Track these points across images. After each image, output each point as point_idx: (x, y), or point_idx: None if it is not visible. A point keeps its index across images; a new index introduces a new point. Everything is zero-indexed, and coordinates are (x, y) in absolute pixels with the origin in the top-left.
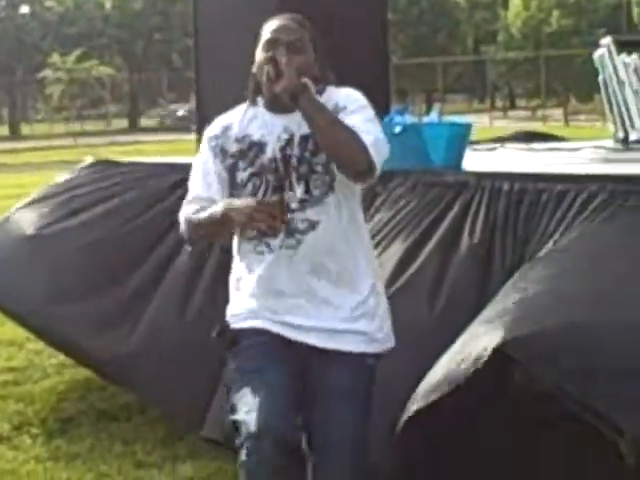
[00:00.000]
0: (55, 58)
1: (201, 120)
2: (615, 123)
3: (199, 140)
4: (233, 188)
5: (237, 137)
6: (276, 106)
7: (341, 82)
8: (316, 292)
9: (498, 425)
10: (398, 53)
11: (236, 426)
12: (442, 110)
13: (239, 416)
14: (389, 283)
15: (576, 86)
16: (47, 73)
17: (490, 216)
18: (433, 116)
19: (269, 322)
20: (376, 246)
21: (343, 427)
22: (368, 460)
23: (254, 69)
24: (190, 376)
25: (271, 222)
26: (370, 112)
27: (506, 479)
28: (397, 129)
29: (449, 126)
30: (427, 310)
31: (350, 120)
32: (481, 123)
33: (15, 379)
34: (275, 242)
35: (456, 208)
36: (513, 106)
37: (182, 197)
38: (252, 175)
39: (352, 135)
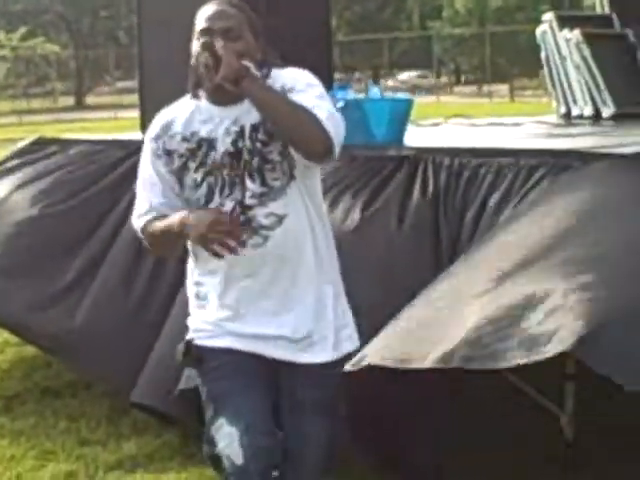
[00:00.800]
0: (1, 36)
1: (144, 97)
2: (557, 99)
3: (143, 117)
4: (184, 189)
5: (184, 135)
6: (220, 98)
7: (284, 60)
8: (286, 293)
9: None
10: (344, 29)
11: (215, 458)
12: (385, 86)
13: (220, 449)
14: None
15: (522, 62)
16: None
17: (429, 190)
18: (375, 91)
19: (236, 338)
20: None
21: (315, 439)
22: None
23: (192, 61)
24: (133, 351)
25: (226, 242)
26: (319, 89)
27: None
28: (339, 104)
29: (391, 101)
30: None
31: (300, 99)
32: (428, 99)
33: None
34: (247, 241)
35: (396, 181)
36: (459, 82)
37: (125, 173)
38: (206, 174)
39: (305, 112)
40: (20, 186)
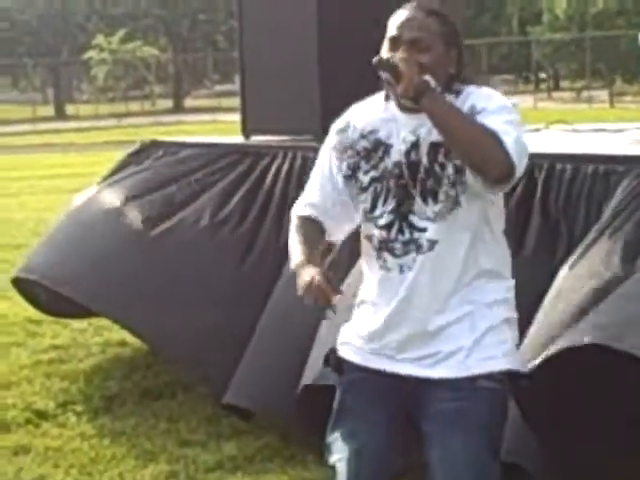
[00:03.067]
0: (100, 39)
1: (245, 100)
2: None
3: (244, 120)
4: (352, 188)
5: (364, 132)
6: (405, 105)
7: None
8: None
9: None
10: None
11: (331, 466)
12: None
13: (332, 460)
14: None
15: (622, 67)
16: (92, 54)
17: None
18: None
19: (375, 358)
20: None
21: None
22: None
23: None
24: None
25: (319, 301)
26: (512, 115)
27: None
28: None
29: None
30: None
31: (487, 121)
32: (525, 104)
33: (60, 357)
34: (407, 262)
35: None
36: (557, 87)
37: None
38: (373, 180)
39: (488, 134)
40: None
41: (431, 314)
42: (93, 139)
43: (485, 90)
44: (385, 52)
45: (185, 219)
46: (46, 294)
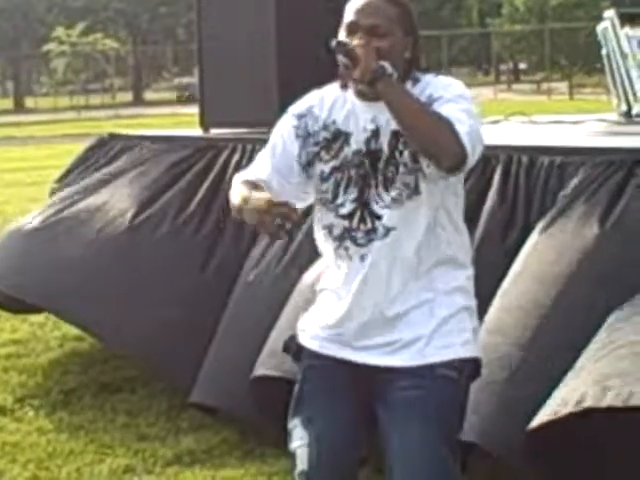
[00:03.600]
0: (60, 32)
1: (204, 93)
2: (618, 96)
3: (202, 114)
4: (312, 177)
5: (325, 122)
6: (363, 93)
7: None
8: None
9: None
10: None
11: (292, 452)
12: None
13: (292, 446)
14: None
15: (581, 59)
16: (51, 47)
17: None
18: None
19: (334, 345)
20: None
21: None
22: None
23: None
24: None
25: (276, 228)
26: (468, 104)
27: None
28: None
29: None
30: None
31: (444, 109)
32: (486, 96)
33: (18, 351)
34: (369, 251)
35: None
36: (518, 79)
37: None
38: (334, 169)
39: (442, 121)
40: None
41: (389, 301)
42: (52, 132)
43: (443, 78)
44: (342, 38)
45: (150, 218)
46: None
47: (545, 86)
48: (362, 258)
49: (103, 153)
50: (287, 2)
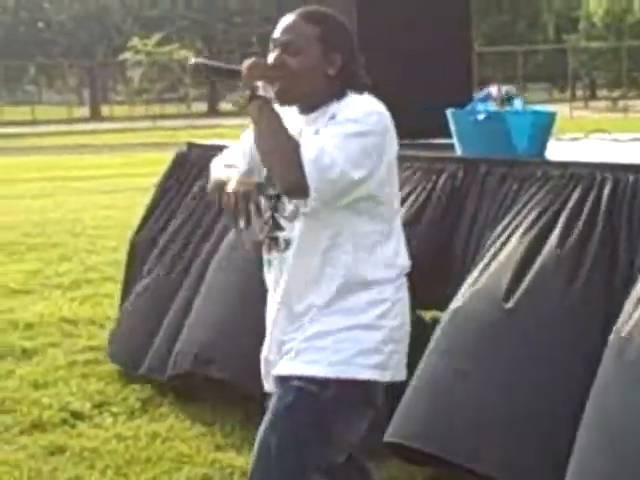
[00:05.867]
0: (135, 41)
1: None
2: None
3: None
4: None
5: None
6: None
7: (425, 70)
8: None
9: None
10: (479, 41)
11: None
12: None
13: None
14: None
15: None
16: (128, 56)
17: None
18: (517, 104)
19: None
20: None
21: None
22: None
23: None
24: None
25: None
26: (351, 128)
27: None
28: (481, 117)
29: (533, 114)
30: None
31: (324, 132)
32: (561, 113)
33: (96, 358)
34: (271, 259)
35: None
36: (594, 96)
37: None
38: (265, 177)
39: (288, 148)
40: None
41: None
42: (128, 140)
43: (355, 99)
44: (269, 54)
45: None
46: None
47: (622, 103)
48: (269, 265)
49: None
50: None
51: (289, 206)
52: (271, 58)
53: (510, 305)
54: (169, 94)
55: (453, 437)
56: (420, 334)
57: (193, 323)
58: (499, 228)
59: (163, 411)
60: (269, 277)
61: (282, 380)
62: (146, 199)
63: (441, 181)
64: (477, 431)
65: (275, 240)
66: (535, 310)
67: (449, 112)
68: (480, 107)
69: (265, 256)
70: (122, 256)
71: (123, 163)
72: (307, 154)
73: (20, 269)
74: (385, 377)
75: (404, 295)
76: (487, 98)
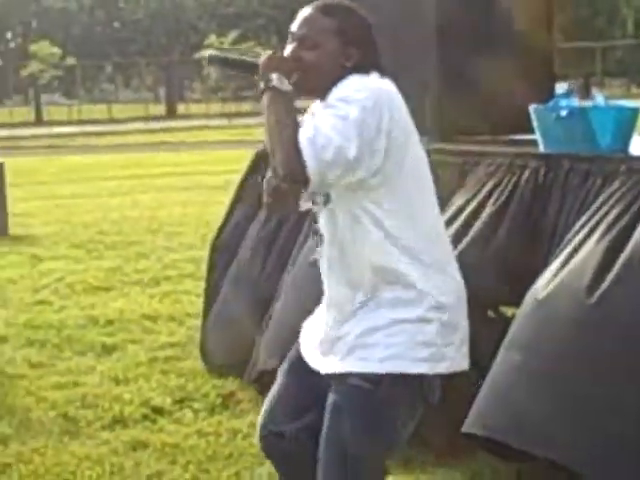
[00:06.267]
0: (212, 39)
1: None
2: None
3: None
4: None
5: None
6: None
7: (506, 66)
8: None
9: None
10: (557, 37)
11: None
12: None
13: None
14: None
15: None
16: (204, 53)
17: None
18: (599, 100)
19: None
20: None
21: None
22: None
23: None
24: None
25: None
26: (344, 108)
27: None
28: (563, 113)
29: (617, 110)
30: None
31: (318, 115)
32: None
33: (176, 355)
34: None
35: None
36: None
37: None
38: None
39: (285, 131)
40: None
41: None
42: (204, 138)
43: (355, 78)
44: (287, 47)
45: None
46: None
47: None
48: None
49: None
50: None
51: (319, 199)
52: (288, 51)
53: (593, 300)
54: (245, 92)
55: (531, 429)
56: (504, 330)
57: (278, 321)
58: (580, 223)
59: (244, 407)
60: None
61: (336, 377)
62: (222, 196)
63: (524, 177)
64: (554, 422)
65: (316, 234)
66: (619, 305)
67: (531, 108)
68: (563, 103)
69: (317, 250)
70: (199, 253)
71: (199, 161)
72: (303, 135)
73: (100, 266)
74: (438, 369)
75: (455, 284)
76: (569, 94)
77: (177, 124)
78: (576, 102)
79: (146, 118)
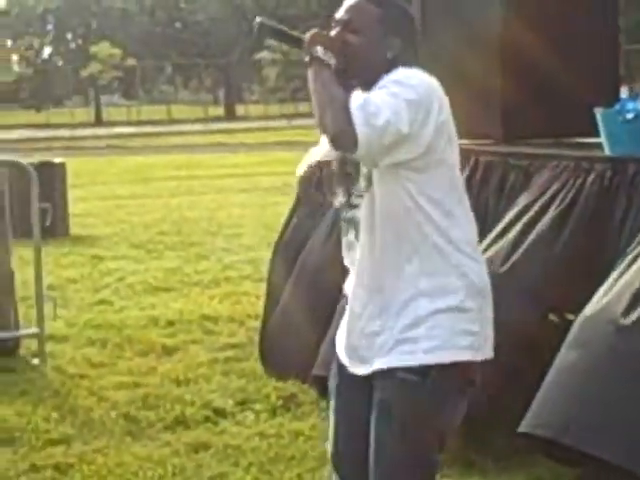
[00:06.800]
0: (271, 41)
1: None
2: None
3: None
4: None
5: None
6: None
7: (572, 68)
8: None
9: None
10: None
11: None
12: None
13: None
14: None
15: None
16: (264, 55)
17: None
18: None
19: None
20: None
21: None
22: None
23: None
24: None
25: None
26: (395, 87)
27: None
28: (629, 116)
29: None
30: None
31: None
32: None
33: (237, 355)
34: (350, 240)
35: None
36: None
37: None
38: (337, 160)
39: (338, 100)
40: None
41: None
42: (263, 139)
43: (402, 70)
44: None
45: None
46: None
47: None
48: (348, 247)
49: None
50: (515, 14)
51: (360, 185)
52: (332, 34)
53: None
54: (303, 93)
55: (586, 429)
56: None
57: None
58: None
59: (305, 409)
60: (349, 259)
61: (380, 375)
62: (280, 198)
63: (589, 181)
64: (608, 423)
65: (352, 221)
66: None
67: (597, 111)
68: (629, 106)
69: (344, 238)
70: (258, 254)
71: (258, 162)
72: (354, 102)
73: (160, 267)
74: (478, 356)
75: (485, 275)
76: (636, 97)
77: (236, 125)
78: None
79: (205, 119)
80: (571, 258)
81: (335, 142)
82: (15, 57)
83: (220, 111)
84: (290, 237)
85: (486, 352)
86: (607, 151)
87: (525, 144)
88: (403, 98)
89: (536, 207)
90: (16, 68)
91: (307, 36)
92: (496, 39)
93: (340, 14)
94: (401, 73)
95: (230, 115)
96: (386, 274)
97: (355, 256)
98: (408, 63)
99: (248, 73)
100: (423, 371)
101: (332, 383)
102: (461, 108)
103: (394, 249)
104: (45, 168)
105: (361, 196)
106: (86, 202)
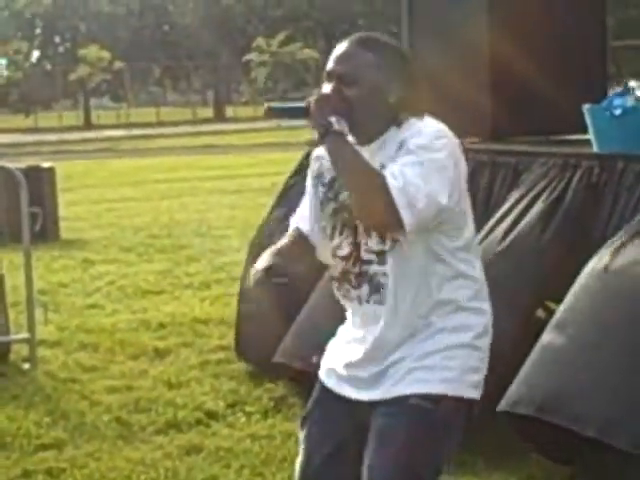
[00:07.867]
0: (260, 41)
1: None
2: None
3: None
4: (324, 216)
5: (329, 164)
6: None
7: (559, 65)
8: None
9: None
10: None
11: None
12: None
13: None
14: None
15: None
16: (252, 56)
17: None
18: None
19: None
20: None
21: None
22: None
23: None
24: None
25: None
26: (425, 155)
27: None
28: (617, 111)
29: None
30: None
31: (399, 160)
32: None
33: (228, 358)
34: (362, 294)
35: None
36: None
37: None
38: (334, 210)
39: (372, 178)
40: None
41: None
42: (252, 141)
43: (422, 124)
44: (324, 85)
45: None
46: None
47: None
48: (359, 301)
49: None
50: (501, 15)
51: (377, 241)
52: (327, 89)
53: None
54: (292, 94)
55: (568, 405)
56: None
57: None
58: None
59: (296, 411)
60: (355, 308)
61: (389, 402)
62: (270, 199)
63: (576, 177)
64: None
65: (364, 275)
66: None
67: (585, 107)
68: (617, 102)
69: (347, 287)
70: None
71: (247, 163)
72: (393, 184)
73: (150, 269)
74: (480, 394)
75: (490, 315)
76: (624, 93)
77: (225, 127)
78: (631, 101)
79: (194, 121)
80: (557, 253)
81: (379, 229)
82: (3, 61)
83: (209, 113)
84: (265, 236)
85: (481, 390)
86: (595, 148)
87: (514, 142)
88: (435, 168)
89: (524, 202)
90: (4, 72)
91: (311, 105)
92: (484, 38)
93: (332, 66)
94: (426, 132)
95: (219, 117)
96: (408, 314)
97: (357, 305)
98: (411, 104)
99: (237, 74)
100: (436, 399)
101: (310, 410)
102: (450, 106)
103: (421, 297)
104: (34, 172)
105: (373, 252)
106: (76, 206)
